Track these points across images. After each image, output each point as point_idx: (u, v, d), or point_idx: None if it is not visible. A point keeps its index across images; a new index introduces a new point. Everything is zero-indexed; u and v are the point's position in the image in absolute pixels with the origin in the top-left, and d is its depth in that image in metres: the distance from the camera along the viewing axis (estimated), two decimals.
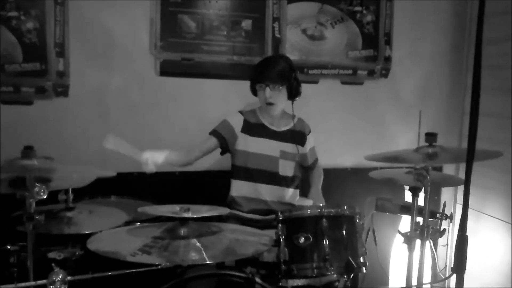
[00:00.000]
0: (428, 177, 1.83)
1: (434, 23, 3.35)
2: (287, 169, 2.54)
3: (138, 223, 2.16)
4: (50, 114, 2.73)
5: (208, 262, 1.47)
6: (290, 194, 2.57)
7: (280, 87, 2.41)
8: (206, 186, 2.88)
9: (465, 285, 1.40)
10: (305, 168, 2.68)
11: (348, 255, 1.77)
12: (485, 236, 3.08)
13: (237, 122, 2.53)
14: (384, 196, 2.48)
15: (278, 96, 2.43)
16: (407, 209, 2.33)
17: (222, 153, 2.60)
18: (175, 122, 2.96)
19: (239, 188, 2.54)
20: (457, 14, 3.38)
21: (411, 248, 2.05)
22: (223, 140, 2.52)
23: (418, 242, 2.00)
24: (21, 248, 1.87)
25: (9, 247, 1.86)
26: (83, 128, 2.80)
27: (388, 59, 3.25)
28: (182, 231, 1.64)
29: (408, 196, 3.10)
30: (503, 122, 2.97)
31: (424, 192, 1.88)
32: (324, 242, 1.74)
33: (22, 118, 2.68)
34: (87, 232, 1.79)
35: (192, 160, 2.54)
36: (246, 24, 2.96)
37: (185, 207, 1.69)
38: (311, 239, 1.74)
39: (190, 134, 2.94)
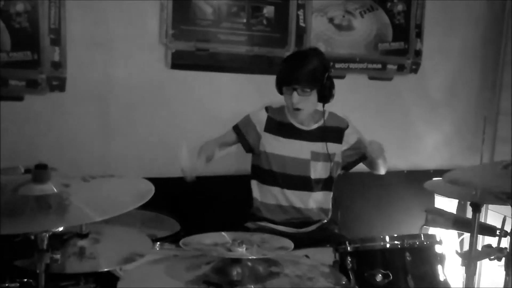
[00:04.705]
0: None
1: (467, 15, 3.15)
2: (320, 171, 2.29)
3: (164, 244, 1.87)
4: (44, 111, 2.49)
5: None
6: (324, 197, 2.33)
7: (310, 91, 2.14)
8: (222, 192, 2.65)
9: None
10: (349, 165, 2.38)
11: None
12: None
13: (260, 119, 2.30)
14: (432, 207, 2.24)
15: (306, 101, 2.16)
16: (461, 224, 2.10)
17: (247, 151, 2.36)
18: (185, 122, 2.72)
19: (264, 194, 2.31)
20: (492, 5, 3.18)
21: (470, 271, 1.83)
22: (243, 137, 2.30)
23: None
24: (22, 285, 1.52)
25: (7, 284, 1.50)
26: (82, 128, 2.56)
27: (418, 53, 3.04)
28: (236, 272, 1.32)
29: (438, 204, 2.95)
30: None
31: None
32: (407, 280, 1.46)
33: (10, 116, 2.39)
34: (106, 269, 1.49)
35: (215, 154, 2.28)
36: (268, 11, 2.72)
37: (237, 239, 1.36)
38: (391, 277, 1.46)
39: (203, 135, 2.66)
